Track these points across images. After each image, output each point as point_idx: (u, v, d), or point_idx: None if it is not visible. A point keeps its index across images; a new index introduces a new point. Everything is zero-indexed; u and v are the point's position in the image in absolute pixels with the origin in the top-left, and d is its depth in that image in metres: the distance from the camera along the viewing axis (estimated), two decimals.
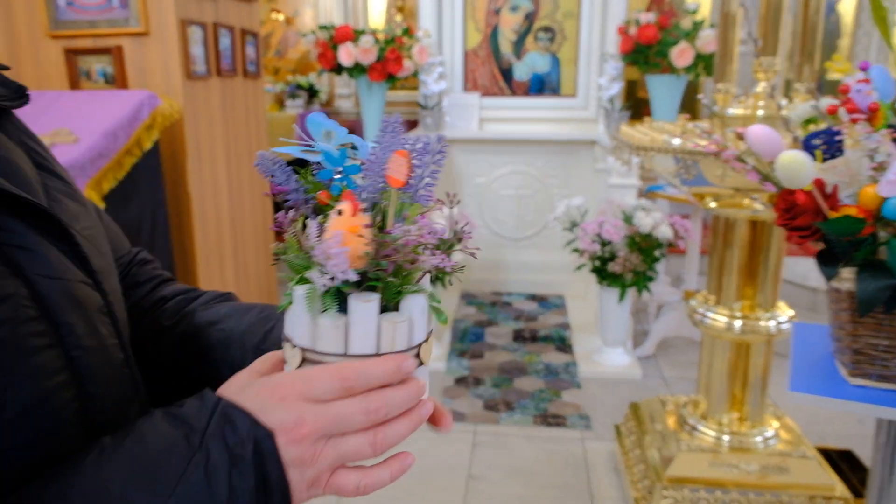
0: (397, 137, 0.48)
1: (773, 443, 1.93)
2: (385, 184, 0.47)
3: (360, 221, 0.44)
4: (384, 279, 0.46)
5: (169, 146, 2.25)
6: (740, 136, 1.05)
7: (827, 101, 0.98)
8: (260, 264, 2.89)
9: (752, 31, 1.29)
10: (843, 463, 2.09)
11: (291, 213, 0.49)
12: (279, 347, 0.55)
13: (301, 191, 0.50)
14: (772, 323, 1.85)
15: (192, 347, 0.63)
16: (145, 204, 2.07)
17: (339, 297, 0.46)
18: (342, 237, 0.43)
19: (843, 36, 3.99)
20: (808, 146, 0.90)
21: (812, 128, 1.04)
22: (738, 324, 1.86)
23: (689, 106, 4.64)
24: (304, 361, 0.46)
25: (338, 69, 3.56)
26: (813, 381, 0.95)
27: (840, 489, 1.83)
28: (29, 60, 2.19)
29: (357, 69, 3.50)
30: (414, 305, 0.47)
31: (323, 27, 3.59)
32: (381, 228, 0.47)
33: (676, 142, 1.65)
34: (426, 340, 0.49)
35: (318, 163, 0.50)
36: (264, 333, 0.61)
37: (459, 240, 0.48)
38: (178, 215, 2.31)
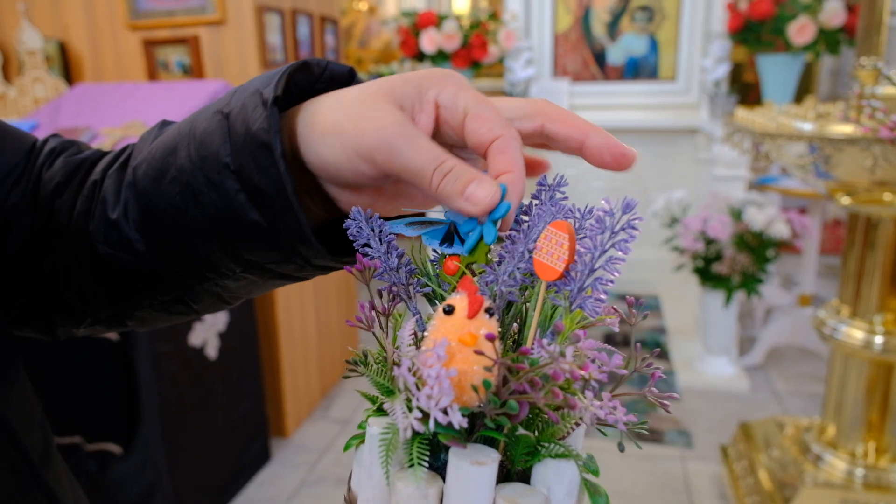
0: (555, 201, 0.31)
1: None
2: (529, 272, 0.30)
3: (483, 328, 0.27)
4: (511, 430, 0.27)
5: None
6: None
7: None
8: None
9: None
10: None
11: (384, 300, 0.32)
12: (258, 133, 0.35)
13: (403, 269, 0.33)
14: None
15: (155, 228, 0.41)
16: None
17: (435, 447, 0.28)
18: (447, 351, 0.26)
19: None
20: None
21: None
22: (878, 340, 1.59)
23: (803, 89, 4.22)
24: None
25: (420, 56, 3.43)
26: None
27: None
28: (110, 52, 2.16)
29: (440, 56, 3.35)
30: (556, 478, 0.28)
31: (405, 14, 3.47)
32: (515, 344, 0.29)
33: (808, 126, 1.40)
34: None
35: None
36: (225, 136, 0.38)
37: (644, 380, 0.29)
38: None
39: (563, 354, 0.26)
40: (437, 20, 3.31)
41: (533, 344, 0.28)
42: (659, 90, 3.58)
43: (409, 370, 0.26)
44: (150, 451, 1.72)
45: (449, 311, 0.27)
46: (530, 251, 0.29)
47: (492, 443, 0.28)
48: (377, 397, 0.30)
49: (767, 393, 2.72)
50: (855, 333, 1.63)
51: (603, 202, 0.29)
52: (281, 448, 2.35)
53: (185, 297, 0.46)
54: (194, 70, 2.08)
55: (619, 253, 0.28)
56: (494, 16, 3.41)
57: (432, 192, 0.33)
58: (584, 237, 0.29)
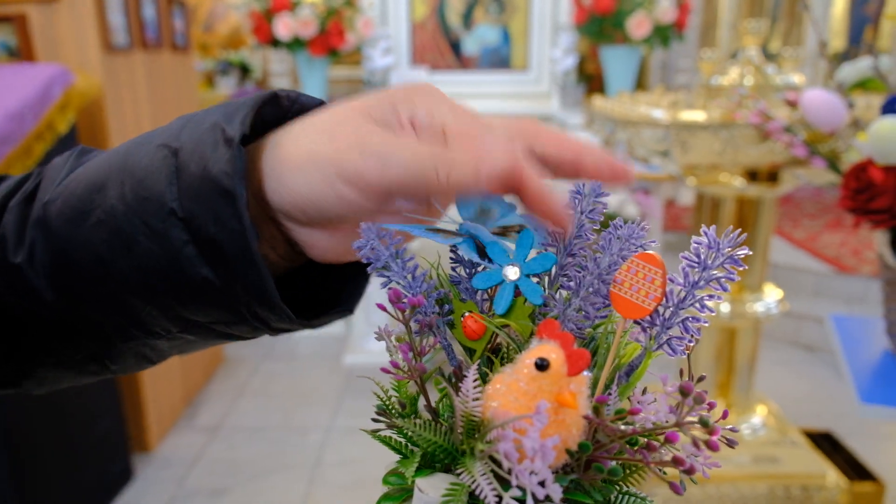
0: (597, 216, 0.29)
1: (762, 432, 1.85)
2: (607, 309, 0.27)
3: (583, 385, 0.24)
4: (603, 493, 0.24)
5: (88, 129, 1.97)
6: (792, 104, 0.91)
7: (888, 59, 0.85)
8: None
9: None
10: (825, 444, 2.04)
11: (415, 333, 0.27)
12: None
13: (432, 295, 0.28)
14: (759, 306, 1.76)
15: (70, 277, 0.34)
16: None
17: None
18: (549, 417, 0.22)
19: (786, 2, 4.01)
20: (890, 111, 0.76)
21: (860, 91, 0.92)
22: (725, 308, 1.76)
23: (638, 80, 4.56)
24: None
25: (275, 43, 3.29)
26: (888, 390, 0.83)
27: (832, 475, 1.76)
28: None
29: (296, 43, 3.24)
30: None
31: None
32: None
33: (659, 113, 1.51)
34: None
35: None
36: (172, 176, 0.31)
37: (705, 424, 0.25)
38: None
39: (705, 424, 0.22)
40: (290, 5, 3.19)
41: (611, 390, 0.26)
42: (512, 80, 3.71)
43: (507, 443, 0.22)
44: None
45: (543, 366, 0.23)
46: (606, 283, 0.26)
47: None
48: (409, 449, 0.26)
49: None
50: None
51: (703, 232, 0.26)
52: (145, 464, 2.18)
53: (101, 356, 0.38)
54: (23, 53, 1.85)
55: (717, 291, 0.25)
56: (350, 2, 3.35)
57: (443, 188, 0.29)
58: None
